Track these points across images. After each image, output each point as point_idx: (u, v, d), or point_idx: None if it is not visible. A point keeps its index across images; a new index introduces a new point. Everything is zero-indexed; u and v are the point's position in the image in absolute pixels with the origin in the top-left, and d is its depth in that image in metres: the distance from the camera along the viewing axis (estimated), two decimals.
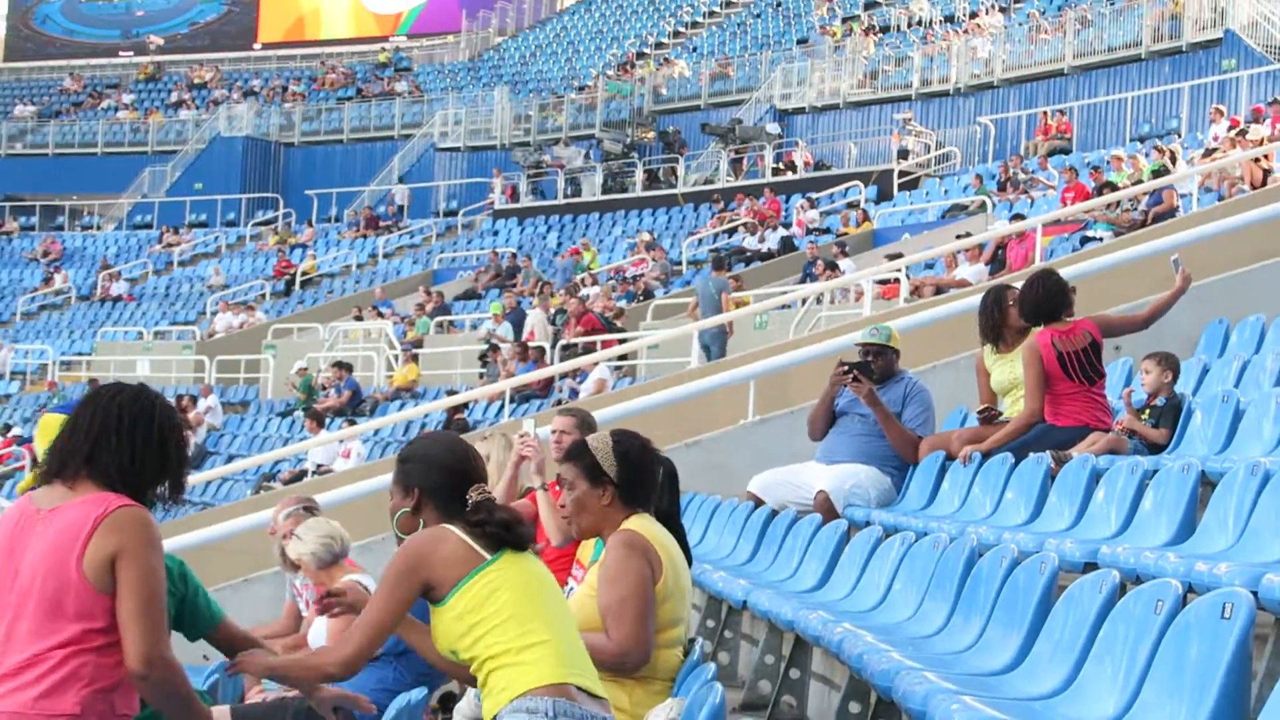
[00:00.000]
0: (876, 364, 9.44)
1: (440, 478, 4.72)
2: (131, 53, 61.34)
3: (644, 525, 5.25)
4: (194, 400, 28.77)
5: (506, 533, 4.60)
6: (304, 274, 39.50)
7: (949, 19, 40.08)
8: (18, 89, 60.50)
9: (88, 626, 4.03)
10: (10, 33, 64.30)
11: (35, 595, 4.05)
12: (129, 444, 4.25)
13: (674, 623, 5.24)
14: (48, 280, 44.27)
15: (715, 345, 19.84)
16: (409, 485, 4.74)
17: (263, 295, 38.99)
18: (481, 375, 25.67)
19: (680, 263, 31.24)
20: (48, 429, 4.92)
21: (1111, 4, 34.79)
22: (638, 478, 5.38)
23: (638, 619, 5.02)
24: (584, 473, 5.34)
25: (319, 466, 21.18)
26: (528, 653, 4.44)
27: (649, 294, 28.33)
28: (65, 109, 57.87)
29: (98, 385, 4.50)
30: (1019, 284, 9.43)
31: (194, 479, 20.49)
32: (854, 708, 6.14)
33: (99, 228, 50.26)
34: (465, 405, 22.33)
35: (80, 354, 36.54)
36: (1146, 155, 24.81)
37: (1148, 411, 8.65)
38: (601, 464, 5.32)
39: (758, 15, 48.27)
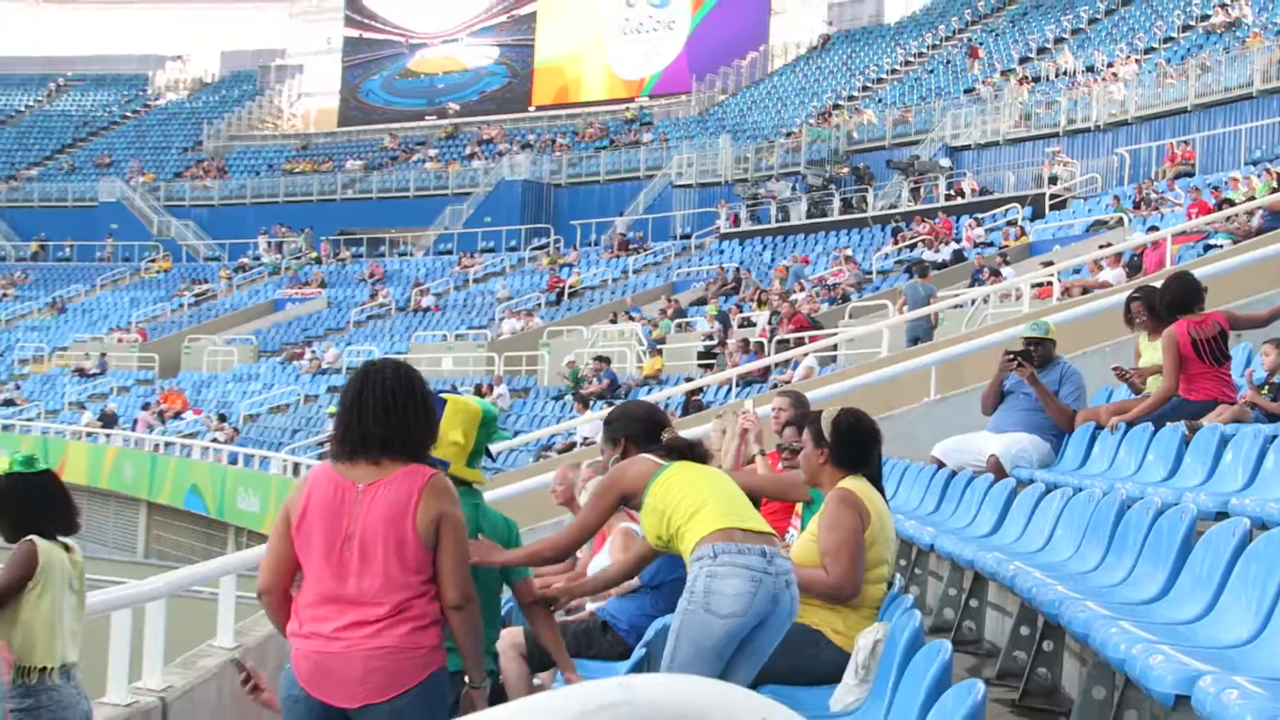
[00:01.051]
0: (1037, 352, 9.36)
1: (637, 427, 5.09)
2: (435, 116, 62.56)
3: (856, 484, 5.35)
4: (489, 388, 29.31)
5: (690, 451, 4.94)
6: (571, 287, 39.94)
7: (1090, 69, 39.31)
8: (349, 148, 62.01)
9: (422, 576, 4.06)
10: (342, 104, 66.03)
11: (380, 554, 4.04)
12: (410, 416, 4.23)
13: (879, 563, 5.25)
14: (373, 295, 45.30)
15: (925, 335, 19.71)
16: (615, 438, 5.03)
17: (539, 304, 39.49)
18: (710, 365, 25.76)
19: (870, 272, 31.06)
20: (456, 407, 4.86)
21: (1227, 51, 34.06)
22: (847, 445, 5.47)
23: (850, 559, 5.08)
24: (811, 436, 5.49)
25: (585, 439, 21.40)
26: (695, 517, 4.68)
27: (846, 298, 28.24)
28: (384, 162, 59.20)
29: (362, 367, 4.42)
30: (1157, 283, 9.41)
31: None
32: (1024, 630, 6.08)
33: (412, 254, 51.34)
34: (699, 389, 22.38)
35: (399, 353, 37.34)
36: (1259, 176, 24.32)
37: (1266, 388, 8.52)
38: (823, 430, 5.43)
39: (930, 71, 47.74)
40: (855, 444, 5.49)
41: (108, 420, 36.77)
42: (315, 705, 3.95)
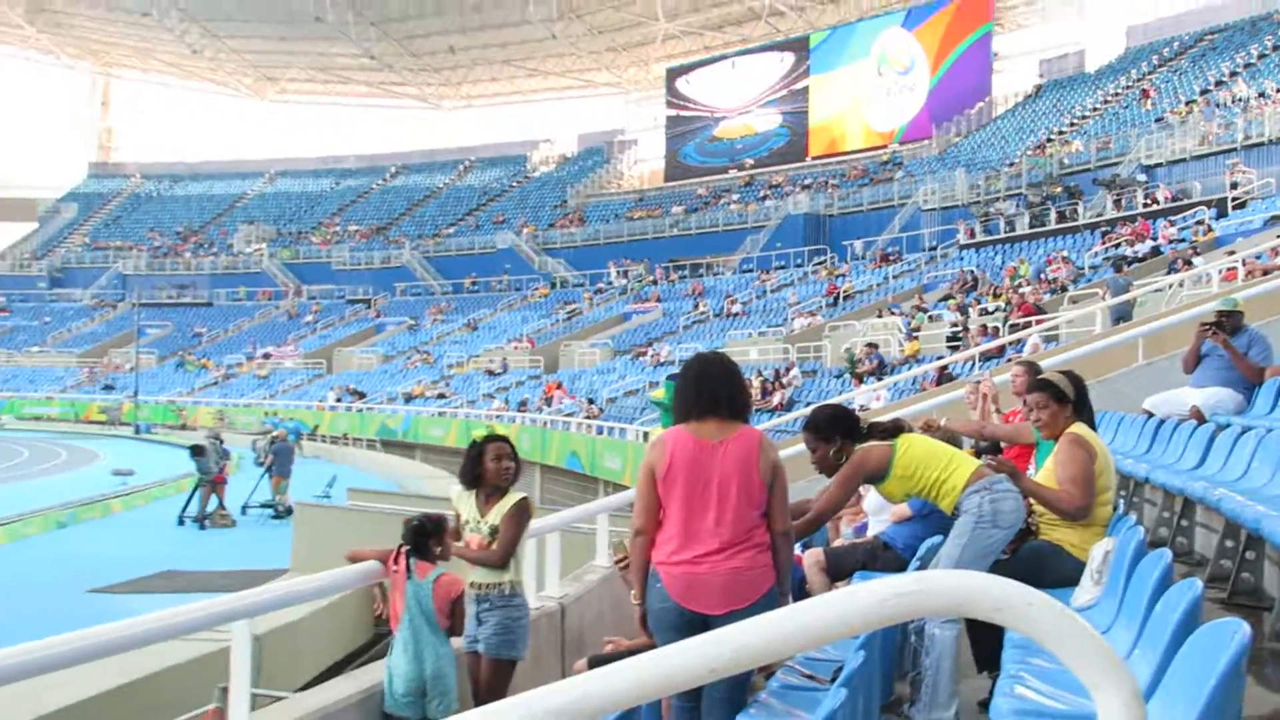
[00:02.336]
0: (1228, 322, 8.81)
1: (846, 424, 4.93)
2: (735, 170, 62.66)
3: (1082, 429, 5.16)
4: (785, 370, 29.20)
5: (899, 428, 4.89)
6: (845, 292, 39.41)
7: (1261, 95, 36.58)
8: (673, 198, 62.76)
9: (761, 511, 4.06)
10: (667, 165, 66.86)
11: (734, 495, 4.02)
12: (735, 389, 4.24)
13: (1105, 489, 5.02)
14: (696, 306, 45.73)
15: (1126, 316, 18.77)
16: (830, 435, 4.85)
17: (820, 306, 39.11)
18: (956, 346, 25.02)
19: (1083, 268, 29.59)
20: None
21: None
22: (1081, 399, 5.37)
23: (1085, 486, 4.87)
24: (1052, 397, 5.29)
25: (861, 406, 21.07)
26: (951, 468, 4.69)
27: (1064, 289, 26.99)
28: (700, 206, 59.68)
29: (696, 355, 4.45)
30: None
31: (787, 417, 20.71)
32: (1229, 543, 5.69)
33: (723, 274, 51.55)
34: (947, 365, 21.79)
35: (717, 347, 37.58)
36: None
37: None
38: (1064, 391, 5.30)
39: (1126, 107, 45.22)
40: (1082, 397, 5.41)
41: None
42: (684, 612, 3.97)
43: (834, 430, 4.92)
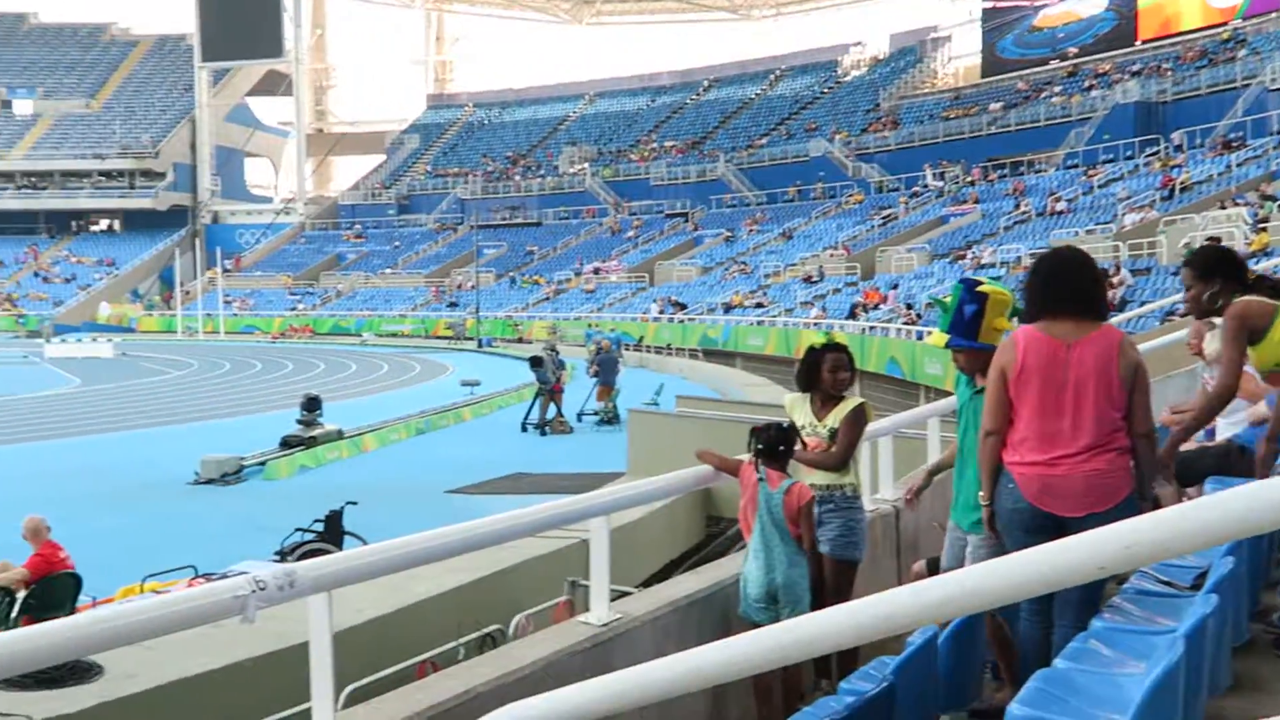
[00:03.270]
0: None
1: (1232, 268, 4.54)
2: (1057, 60, 58.98)
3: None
4: (1114, 270, 27.53)
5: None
6: (1181, 184, 36.56)
7: None
8: (990, 94, 59.88)
9: (1121, 413, 3.85)
10: (984, 61, 63.70)
11: (1092, 396, 3.82)
12: (1091, 286, 3.98)
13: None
14: (1017, 206, 43.76)
15: None
16: (1210, 276, 4.41)
17: (1153, 200, 36.50)
18: None
19: None
20: (996, 299, 4.58)
21: None
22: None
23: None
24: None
25: None
26: None
27: None
28: (1019, 102, 56.73)
29: (1049, 250, 4.15)
30: None
31: (1119, 318, 19.59)
32: None
33: (1045, 171, 48.91)
34: None
35: (1039, 249, 35.90)
36: None
37: None
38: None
39: None
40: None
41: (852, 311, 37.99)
42: (1038, 514, 3.84)
43: (1216, 271, 4.57)
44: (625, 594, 5.33)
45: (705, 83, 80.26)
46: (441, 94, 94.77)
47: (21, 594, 8.03)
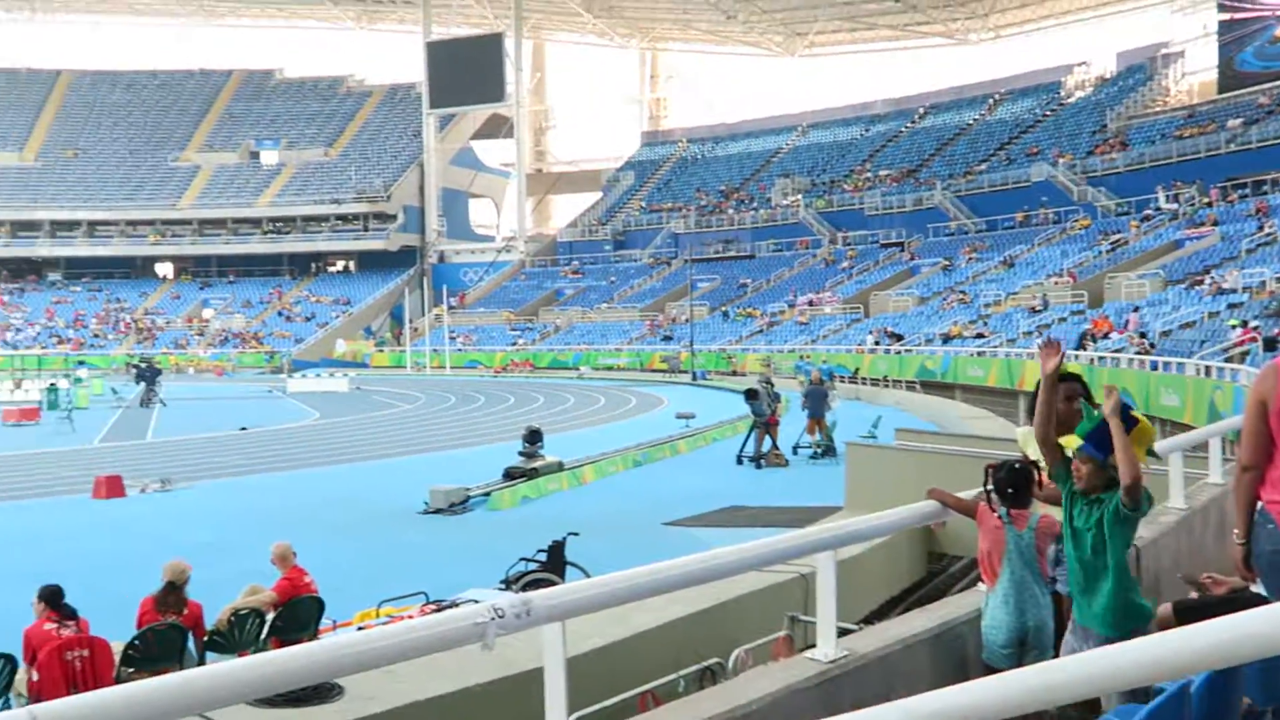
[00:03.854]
0: None
1: None
2: None
3: None
4: None
5: None
6: None
7: None
8: (1228, 111, 56.65)
9: None
10: (1220, 75, 60.33)
11: None
12: None
13: None
14: (1260, 228, 41.21)
15: None
16: None
17: None
18: None
19: None
20: None
21: None
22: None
23: None
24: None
25: None
26: None
27: None
28: (1261, 117, 53.48)
29: None
30: None
31: None
32: None
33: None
34: None
35: None
36: None
37: None
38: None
39: None
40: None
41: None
42: None
43: None
44: (848, 630, 5.24)
45: (920, 110, 78.95)
46: (656, 130, 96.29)
47: (270, 616, 8.49)
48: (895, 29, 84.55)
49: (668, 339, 63.77)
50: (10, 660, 7.11)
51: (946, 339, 44.88)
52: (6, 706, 7.11)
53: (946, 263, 58.41)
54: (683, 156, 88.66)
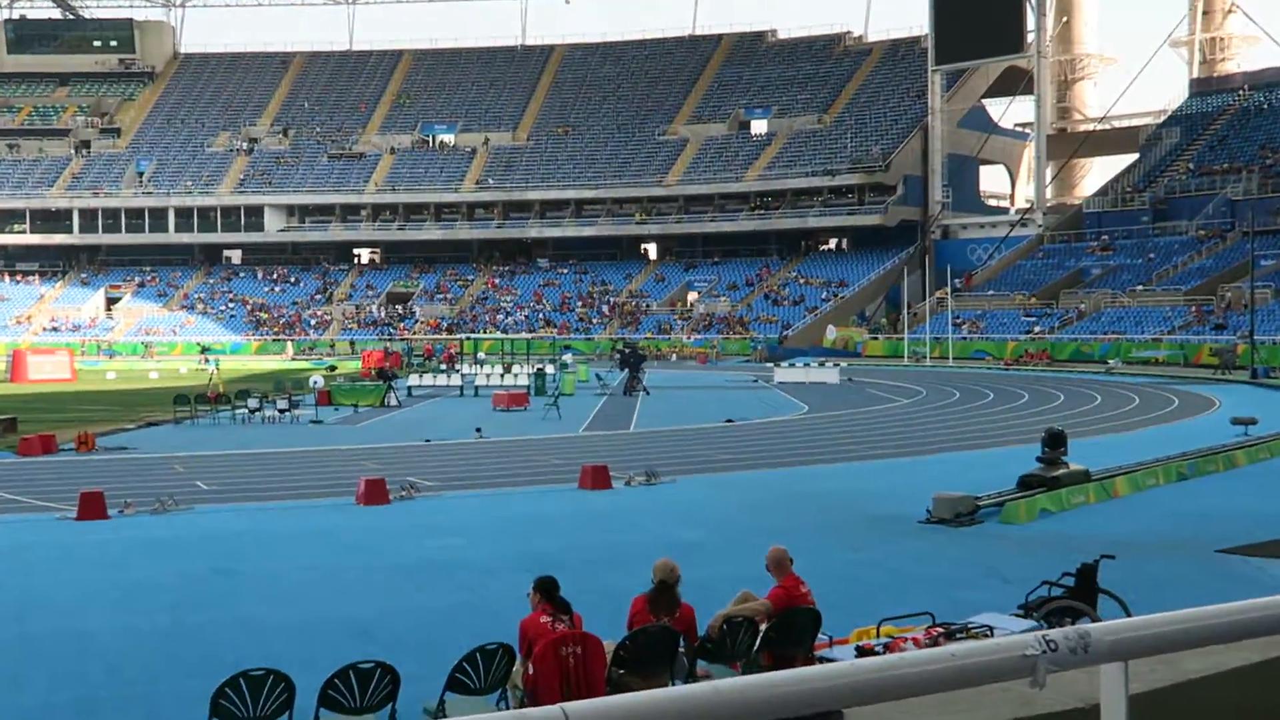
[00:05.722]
0: None
1: None
2: None
3: None
4: None
5: None
6: None
7: None
8: None
9: None
10: None
11: None
12: None
13: None
14: None
15: None
16: None
17: None
18: None
19: None
20: None
21: None
22: None
23: None
24: None
25: None
26: None
27: None
28: None
29: None
30: None
31: None
32: None
33: None
34: None
35: None
36: None
37: None
38: None
39: None
40: None
41: None
42: None
43: None
44: None
45: None
46: (1209, 77, 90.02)
47: (763, 626, 8.73)
48: None
49: (1220, 328, 59.65)
50: (509, 651, 7.79)
51: None
52: (503, 699, 7.80)
53: None
54: (1243, 107, 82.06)
